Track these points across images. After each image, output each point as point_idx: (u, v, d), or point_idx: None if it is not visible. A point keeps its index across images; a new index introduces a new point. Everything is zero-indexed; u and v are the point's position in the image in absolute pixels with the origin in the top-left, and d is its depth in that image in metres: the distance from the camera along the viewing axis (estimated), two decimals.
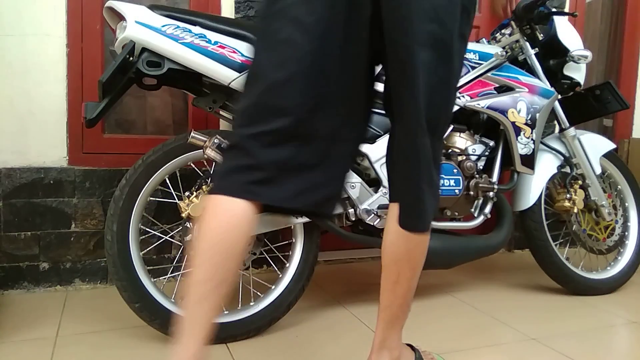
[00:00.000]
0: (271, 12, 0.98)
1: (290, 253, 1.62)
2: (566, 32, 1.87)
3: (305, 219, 1.53)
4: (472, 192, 1.69)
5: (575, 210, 1.93)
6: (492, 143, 1.77)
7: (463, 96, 1.66)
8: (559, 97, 1.88)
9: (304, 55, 0.94)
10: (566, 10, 2.65)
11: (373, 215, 1.56)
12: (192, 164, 1.56)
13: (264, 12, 1.01)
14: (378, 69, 1.09)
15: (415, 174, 1.01)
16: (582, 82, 1.92)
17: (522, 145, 1.72)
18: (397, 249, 1.07)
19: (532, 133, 1.72)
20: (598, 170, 1.98)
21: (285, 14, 0.95)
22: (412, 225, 1.05)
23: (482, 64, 1.72)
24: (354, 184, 1.56)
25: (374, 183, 1.59)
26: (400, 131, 1.02)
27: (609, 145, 2.04)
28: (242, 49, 1.43)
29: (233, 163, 0.96)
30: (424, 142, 1.00)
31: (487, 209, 1.73)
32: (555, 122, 1.97)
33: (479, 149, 1.74)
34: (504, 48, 1.77)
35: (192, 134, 1.43)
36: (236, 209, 0.94)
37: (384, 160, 1.55)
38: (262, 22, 1.01)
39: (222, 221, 0.93)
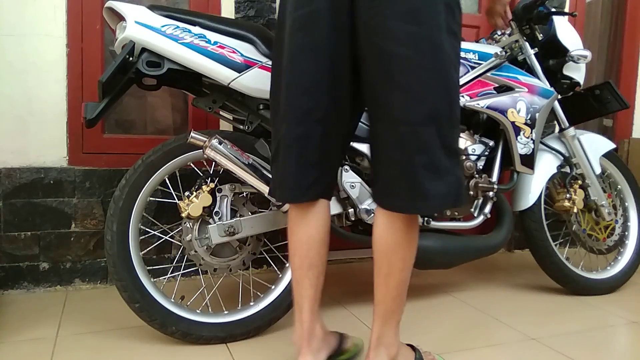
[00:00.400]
0: (277, 39, 1.16)
1: None
2: (566, 32, 1.87)
3: None
4: (471, 192, 1.69)
5: (575, 210, 1.92)
6: (491, 143, 1.77)
7: (463, 96, 1.66)
8: (559, 97, 1.88)
9: (302, 72, 1.10)
10: (566, 10, 2.65)
11: (373, 215, 1.56)
12: (191, 164, 1.56)
13: (274, 41, 1.19)
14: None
15: (404, 159, 1.04)
16: (581, 82, 1.92)
17: (521, 145, 1.72)
18: (386, 241, 1.11)
19: (531, 133, 1.72)
20: (598, 170, 1.98)
21: (287, 40, 1.11)
22: (395, 206, 1.08)
23: (481, 63, 1.71)
24: (354, 184, 1.56)
25: None
26: (383, 124, 1.06)
27: (609, 145, 2.04)
28: (242, 49, 1.43)
29: (277, 174, 1.18)
30: (414, 129, 1.03)
31: (487, 209, 1.73)
32: (555, 122, 1.97)
33: (478, 148, 1.74)
34: (503, 48, 1.77)
35: (191, 134, 1.43)
36: (293, 210, 1.20)
37: None
38: (273, 51, 1.20)
39: (293, 221, 1.20)
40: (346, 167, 1.54)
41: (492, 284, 2.12)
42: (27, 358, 1.38)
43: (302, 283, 1.19)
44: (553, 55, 1.86)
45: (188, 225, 1.51)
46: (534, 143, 1.73)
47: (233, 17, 2.06)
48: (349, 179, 1.54)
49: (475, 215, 1.73)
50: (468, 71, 1.69)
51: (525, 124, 1.71)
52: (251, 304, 1.56)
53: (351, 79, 1.12)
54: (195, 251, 1.51)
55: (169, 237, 1.84)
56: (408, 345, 1.27)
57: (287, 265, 1.60)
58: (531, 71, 1.81)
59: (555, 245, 1.92)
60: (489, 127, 1.78)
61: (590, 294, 1.98)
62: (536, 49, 1.82)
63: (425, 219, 1.65)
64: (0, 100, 1.82)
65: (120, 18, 1.39)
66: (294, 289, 1.22)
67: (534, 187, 1.86)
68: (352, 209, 1.57)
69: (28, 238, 1.86)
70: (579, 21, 2.68)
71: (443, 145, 1.05)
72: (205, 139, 1.43)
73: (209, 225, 1.48)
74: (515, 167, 1.74)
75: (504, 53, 1.73)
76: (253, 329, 1.52)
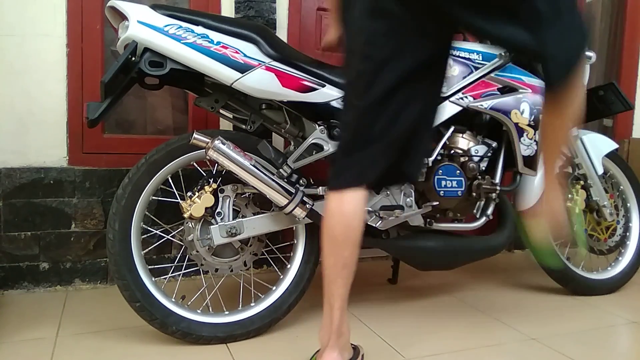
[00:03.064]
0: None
1: (292, 254, 1.62)
2: None
3: (308, 220, 1.52)
4: (474, 194, 1.68)
5: (577, 211, 1.92)
6: (494, 144, 1.76)
7: (466, 97, 1.66)
8: None
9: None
10: None
11: (374, 216, 1.56)
12: (194, 164, 1.56)
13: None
14: None
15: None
16: (585, 83, 1.91)
17: (524, 147, 1.71)
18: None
19: (535, 134, 1.71)
20: (600, 171, 1.98)
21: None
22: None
23: (485, 64, 1.70)
24: None
25: None
26: None
27: (611, 145, 2.03)
28: (245, 50, 1.42)
29: None
30: None
31: (489, 210, 1.72)
32: None
33: (481, 150, 1.74)
34: None
35: (194, 134, 1.42)
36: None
37: None
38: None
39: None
40: None
41: (492, 284, 2.12)
42: (27, 358, 1.37)
43: (336, 282, 1.21)
44: None
45: (190, 226, 1.50)
46: (537, 144, 1.72)
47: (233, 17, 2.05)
48: None
49: (478, 216, 1.73)
50: (472, 72, 1.68)
51: (529, 125, 1.70)
52: (252, 304, 1.55)
53: None
54: (197, 251, 1.50)
55: (170, 236, 1.83)
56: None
57: (289, 266, 1.60)
58: (535, 72, 1.80)
59: (556, 245, 1.92)
60: (492, 128, 1.78)
61: (591, 294, 1.98)
62: None
63: (428, 220, 1.65)
64: (0, 100, 1.81)
65: (122, 17, 1.38)
66: (325, 287, 1.23)
67: (536, 188, 1.86)
68: None
69: (28, 238, 1.86)
70: None
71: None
72: (207, 140, 1.42)
73: (211, 226, 1.47)
74: (518, 168, 1.73)
75: (508, 54, 1.72)
76: (253, 329, 1.52)
